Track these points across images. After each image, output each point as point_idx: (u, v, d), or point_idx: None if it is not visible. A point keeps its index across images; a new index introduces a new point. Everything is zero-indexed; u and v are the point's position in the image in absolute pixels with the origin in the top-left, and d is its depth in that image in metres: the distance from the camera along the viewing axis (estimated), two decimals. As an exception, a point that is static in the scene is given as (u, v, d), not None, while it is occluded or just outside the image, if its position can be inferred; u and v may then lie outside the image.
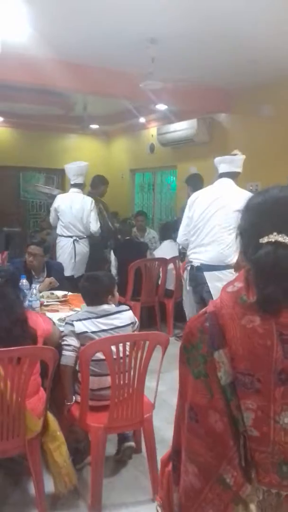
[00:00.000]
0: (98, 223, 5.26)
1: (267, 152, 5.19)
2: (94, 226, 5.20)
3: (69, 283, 4.17)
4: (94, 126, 7.90)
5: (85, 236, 5.26)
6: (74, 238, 5.18)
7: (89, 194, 5.50)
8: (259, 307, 1.02)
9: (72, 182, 5.33)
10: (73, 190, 5.31)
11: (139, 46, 3.99)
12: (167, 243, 5.49)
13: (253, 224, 1.10)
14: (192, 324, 1.10)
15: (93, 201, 5.30)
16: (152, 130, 7.60)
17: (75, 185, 5.29)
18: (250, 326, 1.02)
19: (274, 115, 5.18)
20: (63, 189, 8.58)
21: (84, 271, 5.07)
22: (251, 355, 1.02)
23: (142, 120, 7.31)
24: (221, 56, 4.37)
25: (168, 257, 5.16)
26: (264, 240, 1.05)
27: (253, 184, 5.53)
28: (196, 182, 5.18)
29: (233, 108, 5.85)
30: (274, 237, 1.04)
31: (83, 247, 5.25)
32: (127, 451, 2.78)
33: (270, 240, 1.05)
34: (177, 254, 5.12)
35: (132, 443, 2.77)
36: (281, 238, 1.04)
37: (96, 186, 5.77)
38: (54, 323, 2.73)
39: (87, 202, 5.23)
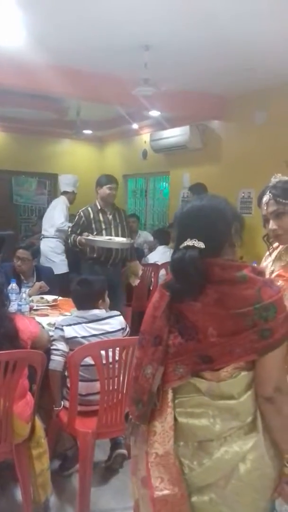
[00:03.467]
0: (62, 217, 5.58)
1: (260, 159, 5.22)
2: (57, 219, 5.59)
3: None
4: (87, 132, 7.90)
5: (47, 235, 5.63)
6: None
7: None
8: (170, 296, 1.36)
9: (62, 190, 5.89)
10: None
11: (132, 53, 4.00)
12: (161, 249, 5.52)
13: (177, 234, 1.40)
14: None
15: (61, 199, 5.82)
16: (145, 136, 7.62)
17: (63, 193, 5.85)
18: (154, 301, 1.41)
19: (267, 122, 5.21)
20: (54, 194, 8.61)
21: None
22: (146, 320, 1.42)
23: (135, 126, 7.32)
24: (215, 63, 4.39)
25: (160, 263, 5.17)
26: (183, 245, 1.34)
27: (245, 191, 5.56)
28: (200, 191, 5.21)
29: (226, 115, 5.88)
30: (187, 242, 1.33)
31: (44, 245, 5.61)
32: (118, 458, 2.76)
33: (184, 245, 1.34)
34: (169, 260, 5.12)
35: (124, 451, 2.74)
36: (190, 242, 1.32)
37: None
38: (43, 327, 2.71)
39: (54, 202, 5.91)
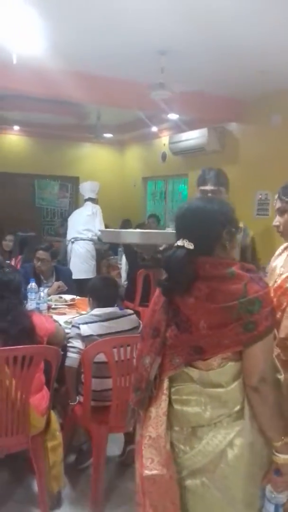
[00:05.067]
0: (102, 225, 5.77)
1: (277, 161, 5.23)
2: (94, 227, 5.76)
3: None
4: (107, 135, 8.03)
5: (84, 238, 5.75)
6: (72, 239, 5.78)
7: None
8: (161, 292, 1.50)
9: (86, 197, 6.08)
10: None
11: (149, 58, 4.09)
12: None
13: (175, 234, 1.50)
14: None
15: (97, 207, 5.94)
16: (164, 139, 7.70)
17: (88, 199, 6.02)
18: (155, 296, 1.53)
19: (284, 124, 5.22)
20: (76, 197, 8.75)
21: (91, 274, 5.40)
22: (148, 314, 1.54)
23: (154, 129, 7.41)
24: (230, 66, 4.44)
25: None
26: (175, 244, 1.45)
27: (262, 193, 5.58)
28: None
29: (244, 118, 5.91)
30: (179, 242, 1.44)
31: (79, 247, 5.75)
32: (131, 453, 2.83)
33: (176, 245, 1.45)
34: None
35: None
36: (181, 242, 1.43)
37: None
38: (59, 325, 2.81)
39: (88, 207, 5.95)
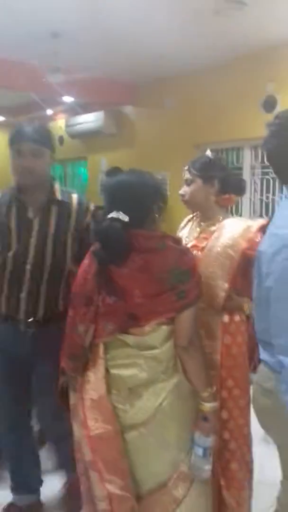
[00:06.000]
0: None
1: (172, 143, 5.48)
2: None
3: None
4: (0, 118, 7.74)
5: None
6: None
7: None
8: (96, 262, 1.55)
9: None
10: None
11: (42, 40, 4.03)
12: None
13: (106, 204, 1.57)
14: None
15: None
16: (60, 122, 7.61)
17: None
18: (84, 265, 1.60)
19: (176, 107, 5.48)
20: None
21: None
22: (78, 283, 1.60)
23: (49, 112, 7.30)
24: (123, 50, 4.51)
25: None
26: (109, 216, 1.50)
27: (161, 174, 5.82)
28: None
29: (139, 101, 6.07)
30: (112, 214, 1.50)
31: None
32: None
33: (110, 216, 1.50)
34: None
35: None
36: (115, 215, 1.49)
37: None
38: None
39: None
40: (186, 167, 1.96)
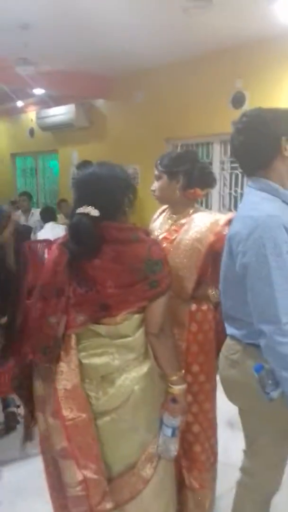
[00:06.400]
0: None
1: (143, 136, 5.53)
2: None
3: None
4: None
5: None
6: None
7: None
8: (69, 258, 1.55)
9: None
10: None
11: (12, 32, 4.00)
12: (50, 225, 5.61)
13: (76, 198, 1.59)
14: None
15: None
16: (31, 114, 7.55)
17: None
18: (53, 257, 1.60)
19: (148, 101, 5.52)
20: None
21: None
22: (47, 275, 1.61)
23: (20, 103, 7.22)
24: (93, 43, 4.52)
25: (53, 238, 5.29)
26: (79, 211, 1.53)
27: (131, 167, 5.86)
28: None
29: (110, 94, 6.08)
30: (82, 209, 1.52)
31: None
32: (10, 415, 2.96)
33: (80, 211, 1.53)
34: (60, 236, 5.27)
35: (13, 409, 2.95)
36: (86, 210, 1.51)
37: None
38: None
39: None
40: (155, 164, 2.02)
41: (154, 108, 5.44)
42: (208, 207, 5.17)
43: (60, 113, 6.53)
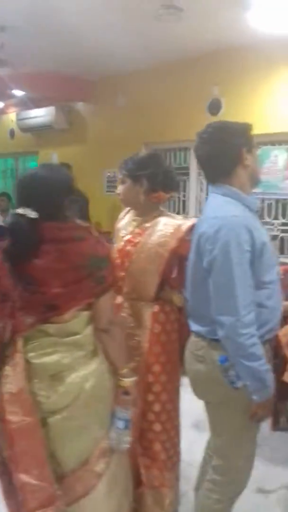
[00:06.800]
0: None
1: (123, 140, 5.54)
2: None
3: None
4: None
5: None
6: None
7: None
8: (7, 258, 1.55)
9: None
10: None
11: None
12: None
13: (16, 200, 1.63)
14: None
15: None
16: (12, 116, 7.52)
17: None
18: None
19: (127, 105, 5.56)
20: None
21: None
22: None
23: (0, 104, 7.19)
24: (73, 46, 4.53)
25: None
26: (17, 212, 1.56)
27: (110, 171, 5.87)
28: None
29: (90, 97, 6.09)
30: (19, 210, 1.55)
31: None
32: None
33: (16, 213, 1.57)
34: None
35: None
36: (22, 211, 1.54)
37: None
38: None
39: None
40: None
41: (133, 113, 5.47)
42: (185, 212, 5.23)
43: (40, 114, 6.52)
